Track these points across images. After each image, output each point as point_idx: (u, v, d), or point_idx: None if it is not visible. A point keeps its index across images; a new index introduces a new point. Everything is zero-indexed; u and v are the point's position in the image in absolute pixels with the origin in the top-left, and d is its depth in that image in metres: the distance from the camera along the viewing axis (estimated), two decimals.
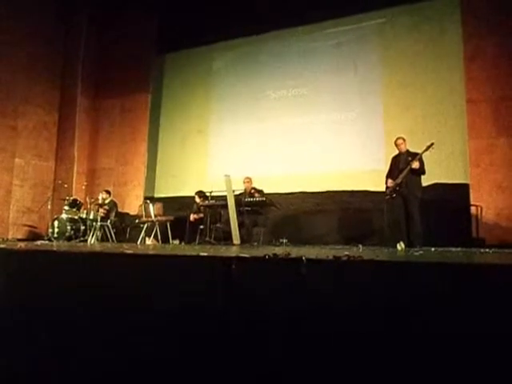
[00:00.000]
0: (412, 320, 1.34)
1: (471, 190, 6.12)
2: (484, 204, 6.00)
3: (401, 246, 5.01)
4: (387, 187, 5.40)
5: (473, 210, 6.01)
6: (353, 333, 1.36)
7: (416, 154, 5.22)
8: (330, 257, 1.59)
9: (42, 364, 2.02)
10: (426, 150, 5.20)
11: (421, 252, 3.33)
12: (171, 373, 1.65)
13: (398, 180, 5.25)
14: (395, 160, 5.52)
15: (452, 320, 1.30)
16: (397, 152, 5.53)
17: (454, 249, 4.11)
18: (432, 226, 5.60)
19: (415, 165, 5.13)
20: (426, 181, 5.65)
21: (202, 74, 8.80)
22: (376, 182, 6.33)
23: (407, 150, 5.43)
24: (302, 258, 1.48)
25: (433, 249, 4.23)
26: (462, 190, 6.19)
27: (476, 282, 1.33)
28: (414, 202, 5.17)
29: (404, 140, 5.48)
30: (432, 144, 5.19)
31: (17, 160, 8.17)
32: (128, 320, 1.85)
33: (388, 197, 5.38)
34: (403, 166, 5.29)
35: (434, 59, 6.86)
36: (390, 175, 5.47)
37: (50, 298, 2.13)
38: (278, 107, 7.96)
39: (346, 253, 1.75)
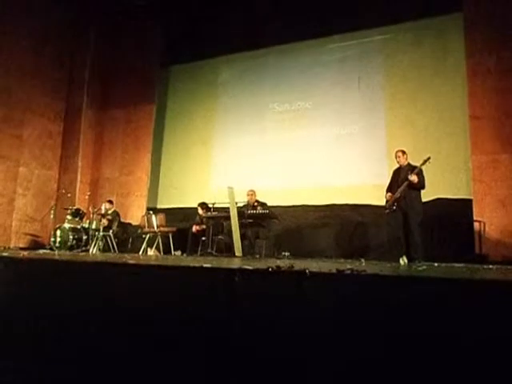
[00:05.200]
0: (415, 333, 1.33)
1: (474, 206, 6.10)
2: (487, 220, 5.97)
3: (404, 260, 4.97)
4: (387, 201, 5.36)
5: (476, 225, 5.98)
6: (356, 345, 1.36)
7: (416, 168, 5.15)
8: (333, 270, 1.59)
9: (41, 369, 2.01)
10: (423, 163, 5.11)
11: (424, 267, 3.32)
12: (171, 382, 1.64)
13: (397, 194, 5.19)
14: (396, 173, 5.44)
15: (455, 334, 1.29)
16: (398, 165, 5.47)
17: (457, 264, 4.09)
18: (435, 241, 5.59)
19: (412, 178, 5.02)
20: (428, 196, 5.64)
21: (207, 86, 8.87)
22: (378, 196, 6.32)
23: (408, 164, 5.33)
24: (305, 270, 1.48)
25: (436, 264, 4.21)
26: (464, 206, 6.16)
27: (479, 297, 1.32)
28: (414, 217, 5.07)
29: (403, 153, 5.37)
30: (429, 158, 5.10)
31: (21, 169, 8.21)
32: (129, 329, 1.85)
33: (387, 211, 5.32)
34: (402, 179, 5.20)
35: (436, 75, 6.91)
36: (389, 189, 5.39)
37: (51, 307, 2.13)
38: (282, 120, 8.00)
39: (349, 266, 1.75)
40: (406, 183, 5.12)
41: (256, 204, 6.65)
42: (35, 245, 8.15)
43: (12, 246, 7.85)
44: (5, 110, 7.97)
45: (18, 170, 8.16)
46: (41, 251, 5.70)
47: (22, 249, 7.18)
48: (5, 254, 2.86)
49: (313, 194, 7.35)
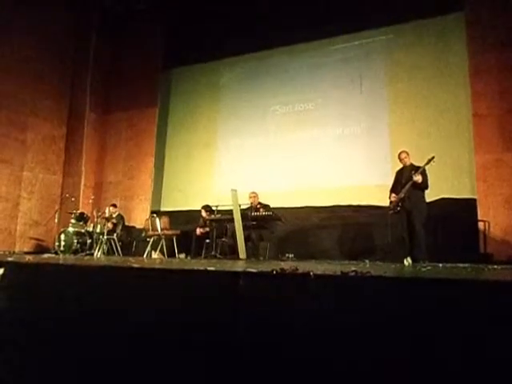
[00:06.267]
0: (420, 336, 1.33)
1: (478, 205, 6.08)
2: (491, 219, 5.96)
3: (408, 261, 4.96)
4: (391, 202, 5.37)
5: (480, 225, 5.96)
6: (362, 347, 1.35)
7: (419, 168, 5.17)
8: (338, 272, 1.59)
9: (46, 374, 2.01)
10: (427, 163, 5.12)
11: (428, 268, 3.31)
12: None
13: (401, 194, 5.20)
14: (399, 174, 5.47)
15: (459, 336, 1.29)
16: (401, 166, 5.49)
17: (461, 265, 4.07)
18: (439, 241, 5.58)
19: (417, 178, 5.05)
20: (432, 196, 5.63)
21: (209, 88, 8.89)
22: (382, 196, 6.33)
23: (411, 164, 5.35)
24: (309, 273, 1.48)
25: (440, 265, 4.19)
26: (468, 205, 6.15)
27: (483, 298, 1.32)
28: (418, 217, 5.07)
29: (407, 154, 5.41)
30: (433, 157, 5.11)
31: (25, 173, 8.24)
32: (133, 332, 1.85)
33: (392, 211, 5.32)
34: (406, 180, 5.22)
35: (439, 74, 6.90)
36: (393, 189, 5.41)
37: (55, 310, 2.14)
38: (285, 122, 8.01)
39: (354, 268, 1.75)
40: (410, 183, 5.12)
41: (259, 206, 6.65)
42: (40, 249, 8.17)
43: (17, 250, 7.87)
44: (9, 115, 8.01)
45: (22, 174, 8.20)
46: (45, 255, 5.72)
47: (26, 253, 7.21)
48: (10, 259, 2.88)
49: (316, 196, 7.35)
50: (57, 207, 8.38)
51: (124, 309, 1.94)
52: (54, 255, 6.50)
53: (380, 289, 1.41)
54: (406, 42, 7.28)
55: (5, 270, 2.29)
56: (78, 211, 7.61)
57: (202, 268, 1.95)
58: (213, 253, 6.47)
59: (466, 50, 6.54)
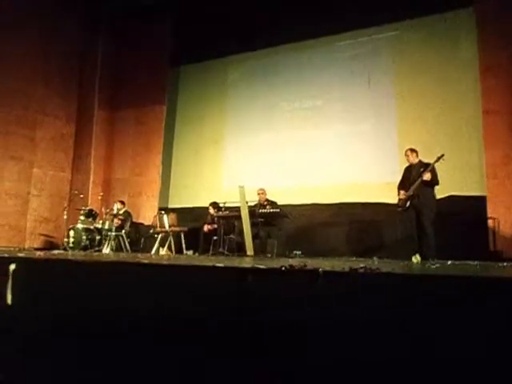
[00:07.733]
0: (429, 332, 1.32)
1: (488, 203, 6.03)
2: (501, 217, 5.90)
3: (416, 258, 4.94)
4: (399, 199, 5.33)
5: (490, 222, 5.91)
6: (370, 345, 1.35)
7: (428, 165, 5.13)
8: (347, 269, 1.58)
9: (54, 369, 2.03)
10: (437, 160, 5.09)
11: (437, 265, 3.29)
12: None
13: (410, 192, 5.17)
14: (408, 171, 5.42)
15: (469, 333, 1.28)
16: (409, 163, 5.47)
17: (471, 262, 4.05)
18: (448, 238, 5.53)
19: (426, 176, 5.02)
20: (441, 193, 5.59)
21: (217, 85, 8.89)
22: (390, 194, 6.30)
23: (420, 161, 5.31)
24: (318, 269, 1.48)
25: (449, 262, 4.17)
26: (478, 203, 6.10)
27: (493, 295, 1.31)
28: (428, 215, 5.05)
29: (413, 151, 5.36)
30: (442, 155, 5.07)
31: (35, 170, 8.30)
32: (141, 327, 1.86)
33: (400, 209, 5.29)
34: (415, 177, 5.19)
35: (448, 70, 6.84)
36: (401, 186, 5.37)
37: (64, 306, 2.16)
38: (292, 119, 7.99)
39: (362, 265, 1.75)
40: (419, 181, 5.09)
41: (266, 203, 6.65)
42: (49, 245, 8.24)
43: (27, 246, 7.94)
44: (18, 112, 8.07)
45: (31, 171, 8.26)
46: (55, 251, 5.76)
47: (36, 249, 7.26)
48: (21, 255, 2.91)
49: (324, 193, 7.33)
50: (66, 204, 8.43)
51: (132, 304, 1.96)
52: (63, 251, 6.54)
53: (389, 285, 1.41)
54: (414, 37, 7.21)
55: (16, 266, 2.32)
56: (87, 208, 7.66)
57: (210, 264, 1.96)
58: (220, 249, 6.49)
59: (476, 45, 6.47)
